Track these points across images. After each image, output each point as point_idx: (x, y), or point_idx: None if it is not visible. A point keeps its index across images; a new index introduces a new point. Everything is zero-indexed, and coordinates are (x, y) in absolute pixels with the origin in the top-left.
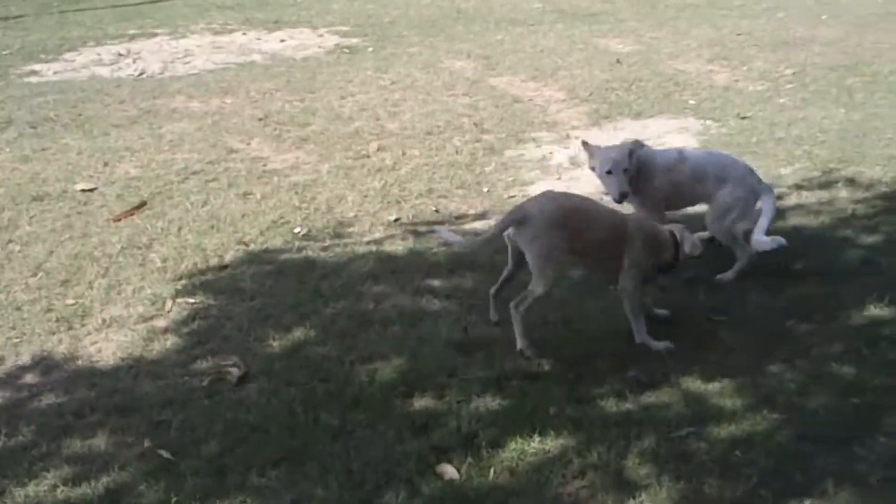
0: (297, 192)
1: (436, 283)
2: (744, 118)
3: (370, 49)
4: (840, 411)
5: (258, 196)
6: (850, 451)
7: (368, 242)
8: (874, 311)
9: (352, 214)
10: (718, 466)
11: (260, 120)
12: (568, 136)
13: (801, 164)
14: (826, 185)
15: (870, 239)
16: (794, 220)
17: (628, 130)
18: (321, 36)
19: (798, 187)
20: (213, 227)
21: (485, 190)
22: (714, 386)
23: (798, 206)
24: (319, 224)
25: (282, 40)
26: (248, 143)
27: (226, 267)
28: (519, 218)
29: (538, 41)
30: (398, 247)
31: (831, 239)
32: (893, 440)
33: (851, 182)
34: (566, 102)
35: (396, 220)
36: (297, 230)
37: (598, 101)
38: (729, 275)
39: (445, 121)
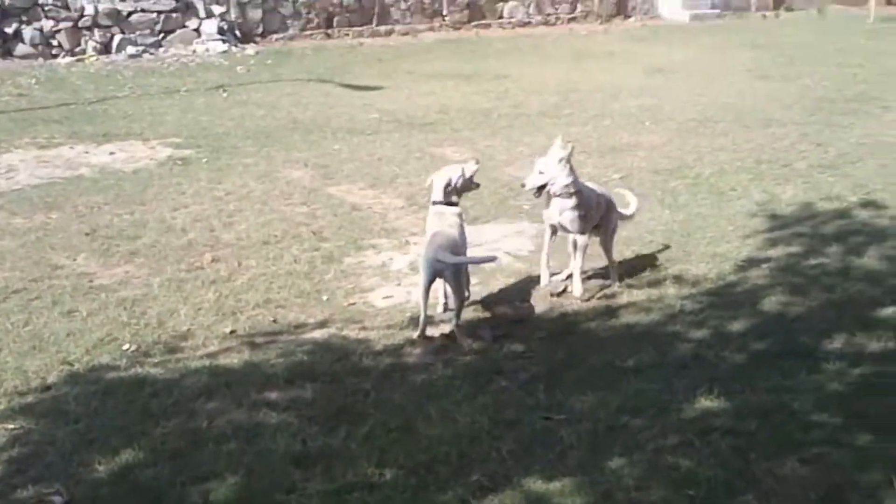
0: (125, 308)
1: (273, 395)
2: None
3: (204, 160)
4: None
5: (84, 313)
6: None
7: (202, 357)
8: (705, 402)
9: (185, 328)
10: None
11: (87, 235)
12: (407, 243)
13: (631, 264)
14: (655, 283)
15: (698, 333)
16: (625, 318)
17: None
18: (153, 148)
19: (628, 286)
20: (35, 347)
21: (324, 298)
22: (555, 485)
23: (629, 304)
24: (150, 340)
25: (111, 153)
26: (75, 259)
27: (49, 388)
28: None
29: (375, 150)
30: (234, 360)
31: (662, 335)
32: None
33: (678, 279)
34: (405, 209)
35: (232, 332)
36: (125, 347)
37: None
38: None
39: (283, 230)
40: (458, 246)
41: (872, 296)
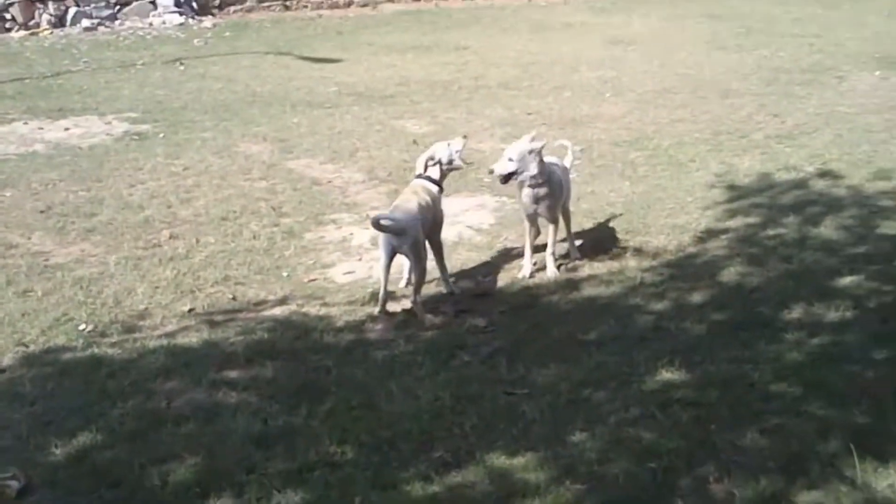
0: (82, 287)
1: (233, 374)
2: None
3: (161, 135)
4: (638, 477)
5: (39, 293)
6: None
7: (160, 336)
8: (666, 374)
9: (142, 307)
10: None
11: (42, 212)
12: (368, 217)
13: (592, 236)
14: (615, 255)
15: (658, 305)
16: (587, 291)
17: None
18: (109, 123)
19: (590, 258)
20: None
21: (284, 275)
22: (518, 461)
23: (590, 277)
24: (107, 319)
25: (66, 129)
26: (29, 238)
27: (3, 371)
28: None
29: (335, 123)
30: (192, 338)
31: (623, 307)
32: (689, 503)
33: (639, 252)
34: (365, 183)
35: (191, 310)
36: (82, 327)
37: (398, 181)
38: None
39: (242, 206)
40: (415, 220)
41: (829, 265)
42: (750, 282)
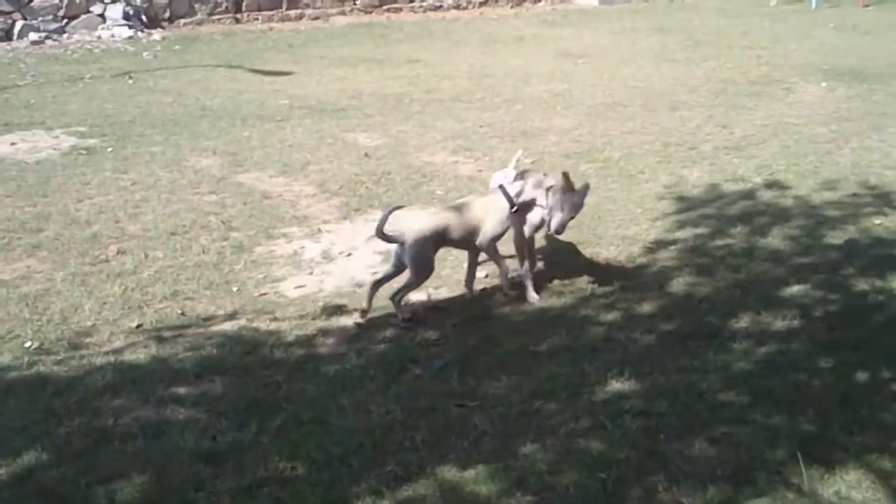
0: (27, 304)
1: (181, 390)
2: None
3: (109, 149)
4: (588, 487)
5: None
6: None
7: (107, 353)
8: (616, 385)
9: (89, 324)
10: None
11: None
12: (319, 231)
13: (543, 249)
14: (567, 266)
15: (609, 316)
16: (538, 302)
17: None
18: (56, 137)
19: (541, 270)
20: None
21: (234, 289)
22: (469, 473)
23: (542, 288)
24: (53, 336)
25: (12, 143)
26: None
27: None
28: None
29: (286, 137)
30: (140, 355)
31: (574, 318)
32: None
33: (590, 263)
34: (316, 197)
35: (138, 326)
36: (27, 344)
37: (349, 194)
38: None
39: (191, 220)
40: (420, 232)
41: (777, 275)
42: (699, 292)
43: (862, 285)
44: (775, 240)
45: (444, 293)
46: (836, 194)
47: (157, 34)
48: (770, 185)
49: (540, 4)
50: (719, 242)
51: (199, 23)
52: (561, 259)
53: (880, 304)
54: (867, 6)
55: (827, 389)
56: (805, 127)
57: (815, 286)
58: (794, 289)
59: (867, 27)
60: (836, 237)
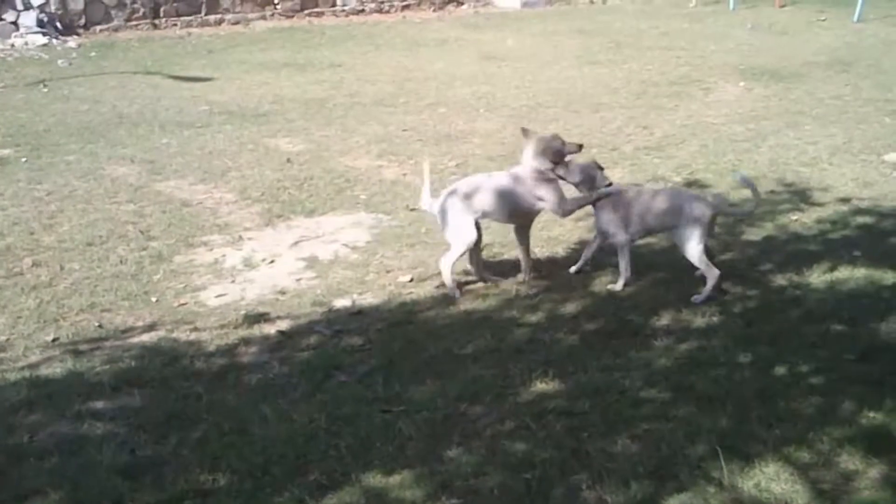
0: None
1: (99, 404)
2: (413, 210)
3: (23, 159)
4: (513, 488)
5: None
6: None
7: (22, 368)
8: (540, 385)
9: (3, 338)
10: None
11: None
12: (241, 238)
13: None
14: (492, 268)
15: (533, 317)
16: (463, 305)
17: (302, 228)
18: None
19: (466, 272)
20: None
21: (153, 300)
22: (394, 479)
23: (466, 292)
24: None
25: None
26: None
27: None
28: None
29: (206, 143)
30: (56, 369)
31: (499, 320)
32: None
33: (515, 264)
34: (237, 204)
35: (54, 340)
36: None
37: (271, 200)
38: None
39: (108, 230)
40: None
41: (697, 273)
42: (621, 291)
43: (779, 281)
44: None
45: (368, 298)
46: None
47: (72, 41)
48: (690, 184)
49: (463, 8)
50: (640, 241)
51: (116, 29)
52: (486, 261)
53: (797, 298)
54: (783, 6)
55: (746, 384)
56: (724, 126)
57: (733, 282)
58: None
59: (783, 27)
60: (754, 234)
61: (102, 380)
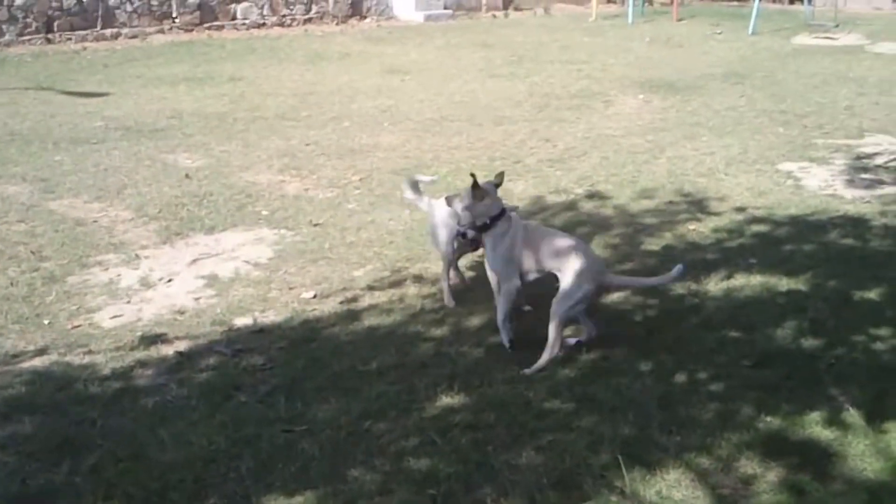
0: None
1: None
2: (316, 225)
3: None
4: None
5: None
6: None
7: None
8: (445, 399)
9: None
10: None
11: None
12: (137, 257)
13: (373, 266)
14: (396, 283)
15: (438, 332)
16: (368, 321)
17: (202, 245)
18: None
19: (370, 288)
20: None
21: (45, 322)
22: (296, 500)
23: (371, 307)
24: None
25: None
26: None
27: None
28: None
29: (101, 160)
30: None
31: (403, 335)
32: None
33: (419, 279)
34: (134, 221)
35: None
36: None
37: (169, 217)
38: None
39: None
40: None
41: None
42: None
43: (678, 289)
44: (597, 248)
45: (270, 316)
46: (652, 202)
47: None
48: (591, 195)
49: (365, 21)
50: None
51: (8, 44)
52: (389, 276)
53: (696, 306)
54: (680, 20)
55: (645, 391)
56: (623, 138)
57: (634, 292)
58: (615, 295)
59: (680, 40)
60: (653, 244)
61: None
